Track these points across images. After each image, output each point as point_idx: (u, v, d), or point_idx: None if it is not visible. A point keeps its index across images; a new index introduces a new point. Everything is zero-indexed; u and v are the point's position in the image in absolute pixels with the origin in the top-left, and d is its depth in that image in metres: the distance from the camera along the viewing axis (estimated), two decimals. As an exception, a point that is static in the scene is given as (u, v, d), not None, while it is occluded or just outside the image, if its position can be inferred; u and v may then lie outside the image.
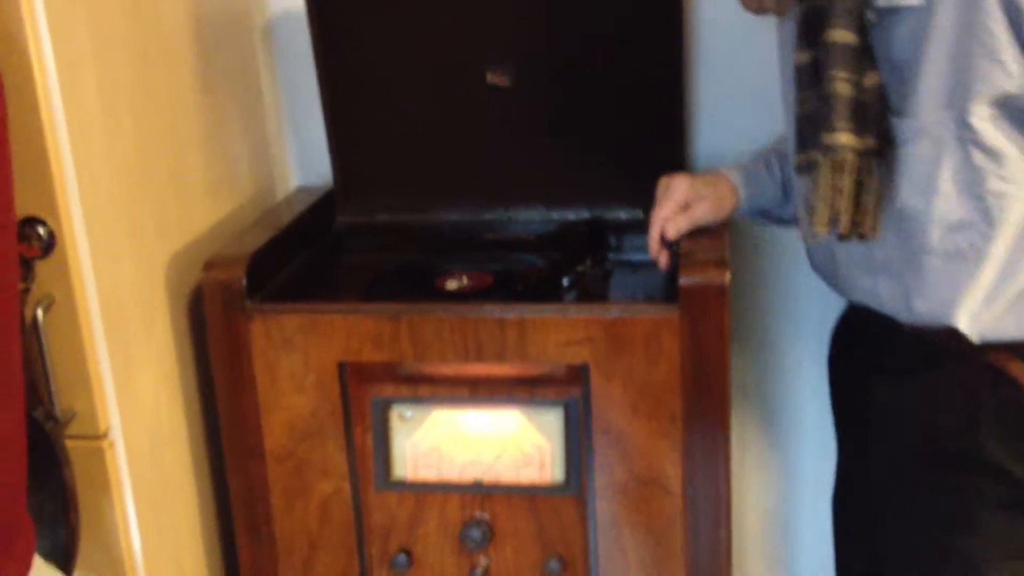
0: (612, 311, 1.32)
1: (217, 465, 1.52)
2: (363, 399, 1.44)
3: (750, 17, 1.56)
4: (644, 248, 1.48)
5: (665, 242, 1.41)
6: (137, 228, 1.35)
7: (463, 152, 1.68)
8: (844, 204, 1.14)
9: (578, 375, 1.36)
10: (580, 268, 1.54)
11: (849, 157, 1.12)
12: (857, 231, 1.16)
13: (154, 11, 1.41)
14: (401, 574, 1.48)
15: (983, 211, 1.13)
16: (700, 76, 1.66)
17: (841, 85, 1.11)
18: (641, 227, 1.59)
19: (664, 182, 1.44)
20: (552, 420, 1.41)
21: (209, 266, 1.41)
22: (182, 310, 1.46)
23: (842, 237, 1.17)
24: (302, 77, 1.74)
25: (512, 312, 1.34)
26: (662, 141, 1.62)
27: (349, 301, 1.43)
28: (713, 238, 1.39)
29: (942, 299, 1.18)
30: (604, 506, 1.39)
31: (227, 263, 1.41)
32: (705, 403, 1.32)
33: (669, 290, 1.36)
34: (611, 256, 1.62)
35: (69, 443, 1.24)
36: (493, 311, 1.35)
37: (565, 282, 1.49)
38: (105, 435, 1.29)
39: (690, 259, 1.31)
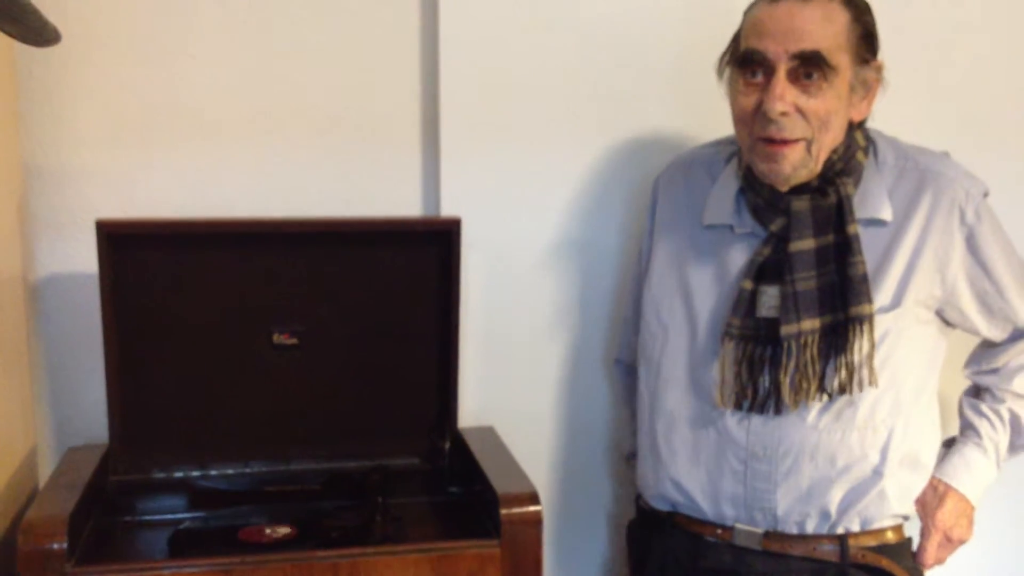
0: (441, 549, 1.44)
1: None
2: (182, 659, 1.42)
3: (514, 285, 1.85)
4: (420, 492, 1.69)
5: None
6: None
7: (244, 406, 1.75)
8: (868, 363, 1.41)
9: (403, 615, 1.45)
10: (375, 514, 1.64)
11: (873, 323, 1.40)
12: (872, 382, 1.42)
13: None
14: None
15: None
16: (467, 338, 1.87)
17: (863, 267, 1.40)
18: (415, 473, 1.76)
19: None
20: (374, 662, 1.47)
21: (26, 531, 1.36)
22: (-15, 579, 1.39)
23: (843, 391, 1.42)
24: (63, 337, 1.77)
25: (345, 556, 1.42)
26: (436, 395, 1.80)
27: (172, 559, 1.43)
28: (518, 474, 1.56)
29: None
30: None
31: (45, 526, 1.37)
32: (523, 629, 1.46)
33: (480, 527, 1.50)
34: (394, 501, 1.74)
35: None
36: (327, 556, 1.42)
37: (372, 526, 1.59)
38: None
39: (507, 496, 1.48)
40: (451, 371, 1.78)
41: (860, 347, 1.42)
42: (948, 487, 1.53)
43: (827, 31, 1.38)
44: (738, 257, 1.50)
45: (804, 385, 1.43)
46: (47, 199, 1.74)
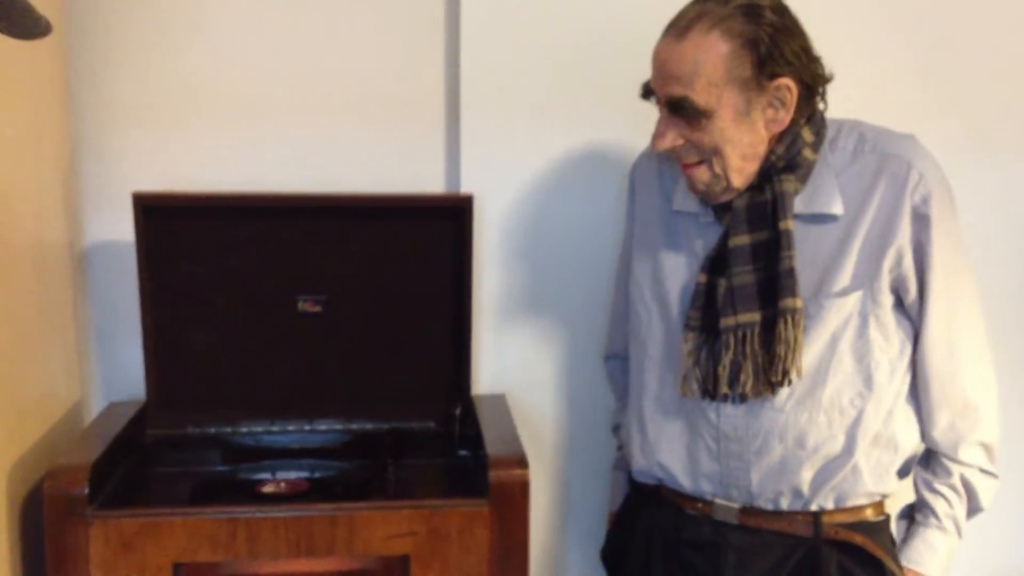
0: (431, 506, 1.54)
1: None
2: (193, 599, 1.55)
3: (528, 257, 1.92)
4: (433, 454, 1.77)
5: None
6: (-13, 439, 1.44)
7: (271, 369, 1.87)
8: (792, 356, 1.44)
9: (397, 567, 1.55)
10: (386, 472, 1.75)
11: (799, 317, 1.43)
12: (788, 379, 1.45)
13: (8, 236, 1.54)
14: None
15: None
16: (483, 310, 1.96)
17: (790, 262, 1.43)
18: (430, 436, 1.85)
19: None
20: (370, 611, 1.58)
21: (52, 475, 1.50)
22: (19, 514, 1.53)
23: (775, 386, 1.46)
24: (107, 302, 1.92)
25: (343, 510, 1.52)
26: (451, 363, 1.89)
27: (185, 506, 1.55)
28: (513, 439, 1.65)
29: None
30: None
31: (69, 472, 1.51)
32: (510, 585, 1.55)
33: (476, 484, 1.59)
34: (407, 462, 1.84)
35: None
36: (325, 509, 1.53)
37: (376, 483, 1.69)
38: (-50, 641, 1.33)
39: (497, 460, 1.56)
40: (465, 341, 1.87)
41: (787, 339, 1.45)
42: (916, 574, 1.56)
43: (697, 71, 1.39)
44: (702, 246, 1.55)
45: (743, 377, 1.47)
46: (92, 173, 1.89)
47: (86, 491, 1.49)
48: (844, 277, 1.48)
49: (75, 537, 1.49)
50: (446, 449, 1.86)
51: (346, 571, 1.57)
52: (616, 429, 1.84)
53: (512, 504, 1.54)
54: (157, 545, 1.50)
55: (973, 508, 1.58)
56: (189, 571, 1.52)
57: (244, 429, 1.87)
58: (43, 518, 1.49)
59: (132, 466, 1.74)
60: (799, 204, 1.48)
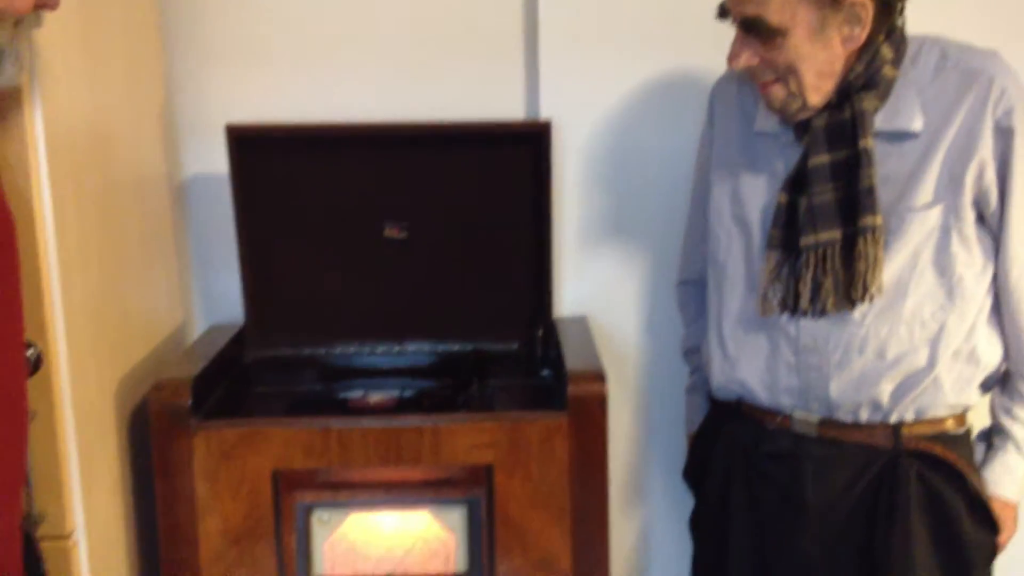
0: (512, 418, 1.60)
1: (156, 566, 1.66)
2: (290, 504, 1.64)
3: (609, 185, 1.96)
4: (516, 375, 1.82)
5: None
6: (98, 352, 1.54)
7: (361, 294, 1.95)
8: (872, 272, 1.46)
9: (481, 476, 1.62)
10: (470, 390, 1.82)
11: (879, 234, 1.46)
12: (869, 295, 1.47)
13: (111, 170, 1.64)
14: (322, 663, 1.66)
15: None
16: (564, 236, 2.01)
17: (870, 180, 1.45)
18: (513, 358, 1.91)
19: None
20: (456, 517, 1.66)
21: (158, 388, 1.60)
22: (127, 425, 1.64)
23: (856, 302, 1.48)
24: (206, 230, 2.02)
25: (428, 421, 1.60)
26: (533, 287, 1.94)
27: (281, 417, 1.65)
28: (592, 356, 1.70)
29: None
30: (504, 589, 1.64)
31: (174, 385, 1.61)
32: (589, 496, 1.61)
33: (557, 400, 1.65)
34: (490, 382, 1.91)
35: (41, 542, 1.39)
36: (412, 421, 1.60)
37: (460, 400, 1.76)
38: (70, 535, 1.44)
39: (576, 374, 1.61)
40: (546, 265, 1.92)
41: (868, 256, 1.46)
42: (993, 494, 1.57)
43: None
44: (782, 167, 1.56)
45: (823, 294, 1.49)
46: (187, 108, 1.98)
47: (189, 403, 1.59)
48: (926, 192, 1.48)
49: (180, 446, 1.59)
50: (528, 370, 1.92)
51: (433, 479, 1.64)
52: (687, 354, 1.87)
53: (591, 417, 1.60)
54: (256, 453, 1.59)
55: None
56: (286, 477, 1.61)
57: (336, 351, 1.96)
58: (150, 429, 1.60)
59: (232, 384, 1.83)
60: (879, 121, 1.49)
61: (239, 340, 1.92)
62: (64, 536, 1.44)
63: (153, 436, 1.60)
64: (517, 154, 1.89)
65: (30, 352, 1.37)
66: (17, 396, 1.24)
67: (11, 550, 1.22)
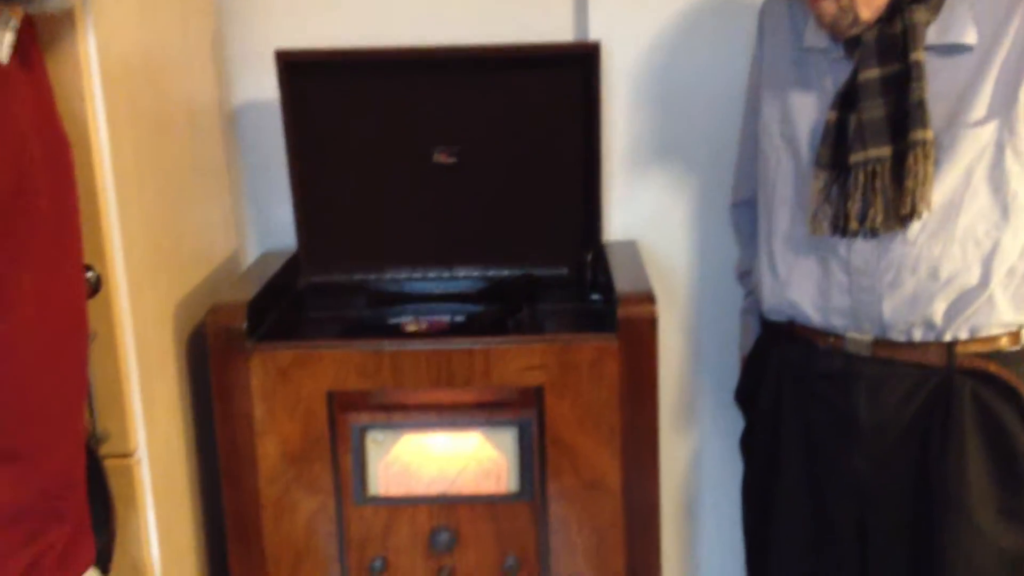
0: (563, 340, 1.61)
1: (216, 484, 1.71)
2: (345, 425, 1.67)
3: (658, 109, 1.94)
4: (566, 299, 1.83)
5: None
6: (156, 276, 1.57)
7: (411, 220, 1.96)
8: (921, 189, 1.44)
9: (532, 398, 1.64)
10: (520, 314, 1.83)
11: (930, 150, 1.43)
12: (917, 213, 1.46)
13: (164, 96, 1.65)
14: (377, 578, 1.70)
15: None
16: (613, 160, 1.99)
17: (920, 94, 1.43)
18: (562, 283, 1.92)
19: None
20: (507, 438, 1.68)
21: (214, 311, 1.63)
22: (184, 348, 1.68)
23: (905, 220, 1.46)
24: (258, 158, 2.03)
25: (479, 344, 1.61)
26: (582, 211, 1.94)
27: (335, 340, 1.67)
28: (642, 278, 1.71)
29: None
30: (555, 508, 1.66)
31: (230, 308, 1.64)
32: (639, 417, 1.62)
33: (607, 323, 1.66)
34: (540, 307, 1.92)
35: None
36: (463, 343, 1.62)
37: (510, 324, 1.78)
38: (133, 454, 1.48)
39: (626, 296, 1.62)
40: (595, 189, 1.92)
41: (917, 173, 1.44)
42: None
43: None
44: (832, 83, 1.54)
45: (872, 213, 1.47)
46: (237, 34, 1.98)
47: (245, 326, 1.62)
48: (979, 107, 1.45)
49: (236, 368, 1.62)
50: (578, 294, 1.93)
51: (484, 401, 1.66)
52: (742, 276, 1.87)
53: (641, 339, 1.60)
54: (311, 375, 1.62)
55: None
56: (341, 398, 1.64)
57: (388, 276, 1.98)
58: (207, 352, 1.63)
59: (285, 310, 1.86)
60: (931, 35, 1.46)
61: (292, 266, 1.95)
62: (127, 454, 1.48)
63: (211, 358, 1.63)
64: (566, 77, 1.87)
65: (89, 275, 1.40)
66: (78, 317, 1.27)
67: (76, 467, 1.26)
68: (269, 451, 1.65)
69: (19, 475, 1.15)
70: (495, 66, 1.89)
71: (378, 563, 1.69)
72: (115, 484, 1.44)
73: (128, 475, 1.48)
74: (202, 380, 1.69)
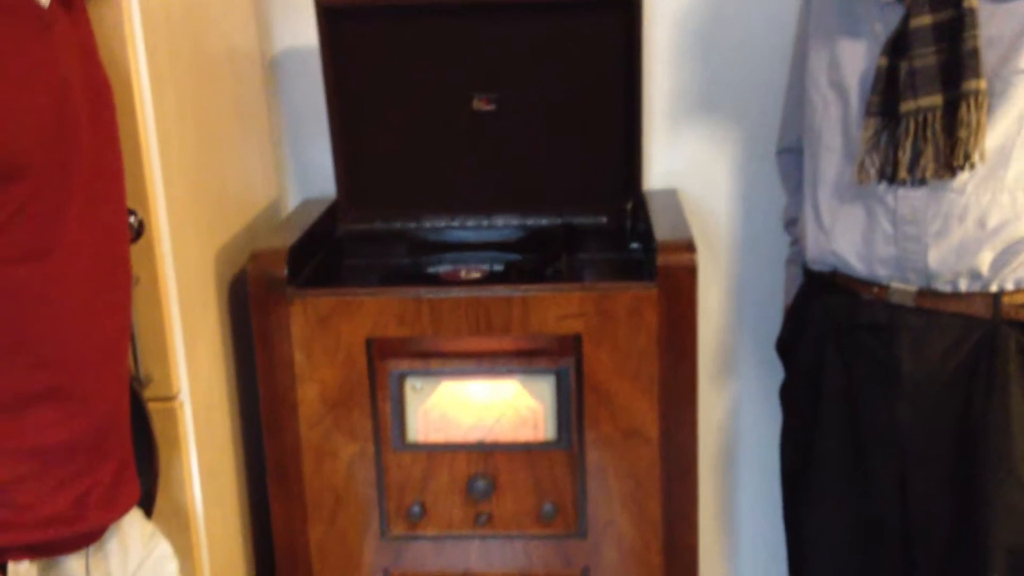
0: (601, 289, 1.60)
1: (257, 429, 1.73)
2: (384, 372, 1.68)
3: (701, 54, 1.91)
4: (605, 248, 1.81)
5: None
6: (198, 222, 1.58)
7: (451, 168, 1.95)
8: (974, 139, 1.41)
9: (570, 346, 1.64)
10: (558, 262, 1.82)
11: (983, 99, 1.40)
12: (970, 163, 1.43)
13: (204, 43, 1.65)
14: (416, 523, 1.72)
15: None
16: (654, 108, 1.97)
17: (974, 42, 1.40)
18: (602, 232, 1.90)
19: None
20: (545, 386, 1.68)
21: (255, 257, 1.64)
22: (226, 294, 1.69)
23: (956, 170, 1.44)
24: (298, 105, 2.02)
25: (517, 292, 1.61)
26: (621, 160, 1.92)
27: (374, 287, 1.68)
28: (682, 227, 1.69)
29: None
30: (592, 456, 1.66)
31: (270, 255, 1.65)
32: (678, 366, 1.62)
33: (646, 272, 1.65)
34: (580, 256, 1.91)
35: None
36: (501, 291, 1.62)
37: (549, 272, 1.77)
38: (176, 397, 1.50)
39: (665, 244, 1.61)
40: (636, 137, 1.90)
41: (970, 123, 1.41)
42: None
43: None
44: (882, 29, 1.50)
45: (923, 162, 1.44)
46: (277, -21, 1.98)
47: (285, 272, 1.63)
48: None
49: (277, 314, 1.63)
50: (618, 243, 1.92)
51: (522, 349, 1.67)
52: (788, 224, 1.85)
53: (680, 288, 1.59)
54: (350, 321, 1.63)
55: None
56: (380, 345, 1.65)
57: (427, 224, 1.97)
58: (248, 298, 1.64)
59: (325, 257, 1.87)
60: None
61: (331, 214, 1.95)
62: (170, 398, 1.50)
63: (251, 304, 1.64)
64: (607, 22, 1.84)
65: (132, 219, 1.40)
66: (121, 260, 1.28)
67: (121, 408, 1.28)
68: (309, 396, 1.66)
69: (68, 413, 1.17)
70: (535, 11, 1.86)
71: (416, 508, 1.71)
72: (158, 427, 1.46)
73: (171, 418, 1.50)
74: (243, 326, 1.71)
